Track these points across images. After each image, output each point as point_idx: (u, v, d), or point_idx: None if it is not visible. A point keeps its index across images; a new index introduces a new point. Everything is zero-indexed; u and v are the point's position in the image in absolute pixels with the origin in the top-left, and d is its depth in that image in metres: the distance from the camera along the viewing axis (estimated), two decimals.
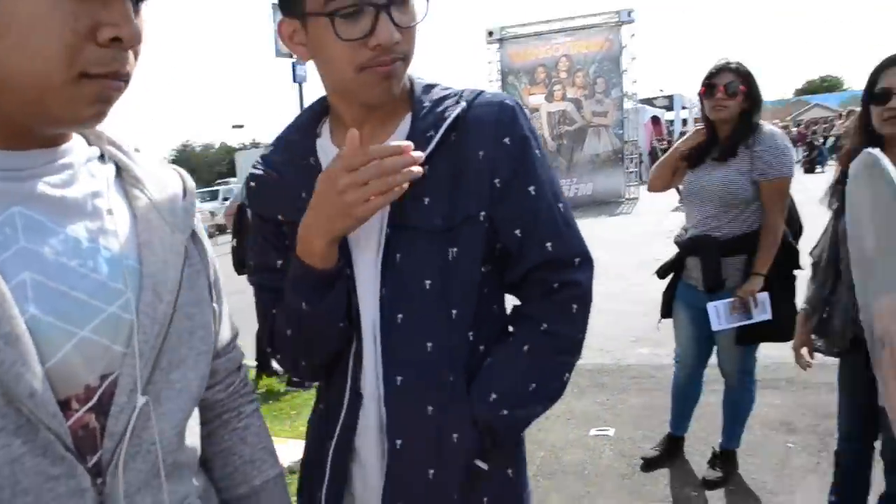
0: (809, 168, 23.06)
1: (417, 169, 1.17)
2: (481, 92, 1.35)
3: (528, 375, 1.32)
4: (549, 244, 1.32)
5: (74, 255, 0.88)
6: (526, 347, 1.33)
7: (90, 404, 0.87)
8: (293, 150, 1.37)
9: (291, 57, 15.38)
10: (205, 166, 70.12)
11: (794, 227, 3.40)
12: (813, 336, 2.79)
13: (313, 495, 1.41)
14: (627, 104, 20.58)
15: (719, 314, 3.29)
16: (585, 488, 3.47)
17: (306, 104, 1.51)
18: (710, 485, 3.56)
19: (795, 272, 3.34)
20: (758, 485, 3.57)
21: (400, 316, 1.29)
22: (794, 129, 28.93)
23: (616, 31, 19.96)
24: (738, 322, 3.27)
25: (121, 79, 0.87)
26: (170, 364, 0.95)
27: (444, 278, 1.29)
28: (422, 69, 1.37)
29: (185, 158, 73.15)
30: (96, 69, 0.83)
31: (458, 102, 1.31)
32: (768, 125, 3.29)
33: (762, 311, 3.22)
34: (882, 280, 1.14)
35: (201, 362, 1.01)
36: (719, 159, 3.24)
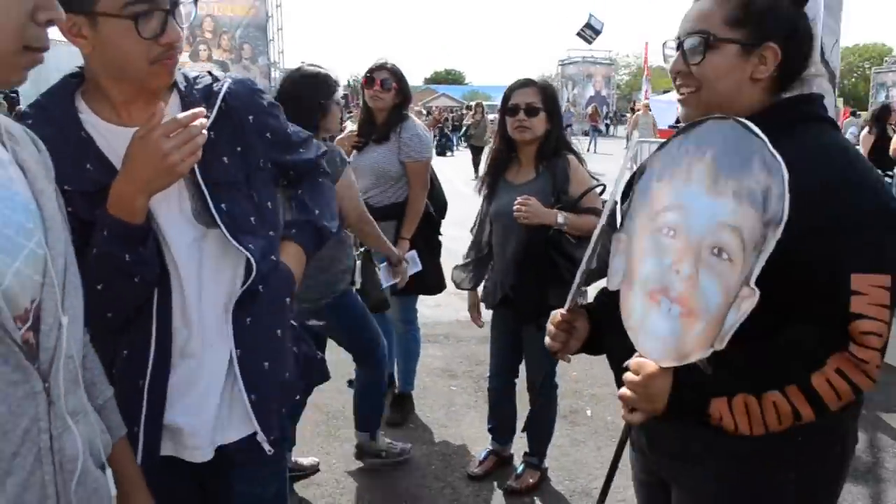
0: (441, 152, 25.42)
1: (205, 131, 1.44)
2: (227, 74, 1.71)
3: (329, 197, 1.95)
4: (306, 151, 1.88)
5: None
6: (321, 181, 1.94)
7: (29, 323, 1.00)
8: (58, 125, 1.47)
9: None
10: None
11: (439, 202, 4.12)
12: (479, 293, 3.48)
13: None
14: (275, 73, 20.74)
15: (383, 274, 3.81)
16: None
17: None
18: (394, 424, 4.08)
19: (440, 238, 4.10)
20: (432, 421, 4.19)
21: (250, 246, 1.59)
22: (430, 116, 31.92)
23: None
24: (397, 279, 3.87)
25: (45, 52, 1.03)
26: (66, 293, 1.09)
27: (259, 213, 1.64)
28: None
29: None
30: (36, 44, 1.00)
31: (217, 80, 1.62)
32: (413, 117, 4.00)
33: (414, 266, 3.86)
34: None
35: (79, 293, 1.16)
36: (376, 142, 3.86)
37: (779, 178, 1.19)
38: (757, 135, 1.25)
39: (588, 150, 27.26)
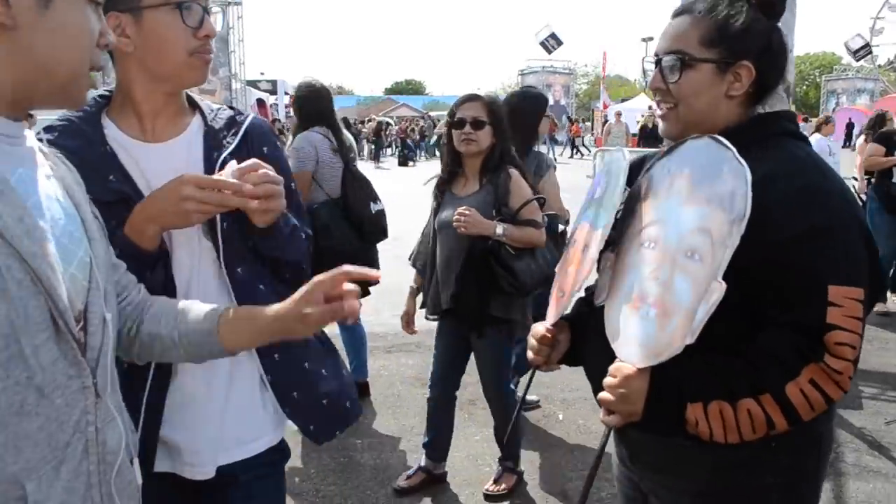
0: (403, 162, 25.61)
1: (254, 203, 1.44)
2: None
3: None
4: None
5: (55, 208, 1.07)
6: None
7: (81, 324, 1.08)
8: (86, 138, 1.53)
9: None
10: None
11: (356, 213, 4.13)
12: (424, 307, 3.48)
13: None
14: (235, 85, 20.59)
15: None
16: None
17: None
18: None
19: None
20: (406, 429, 4.27)
21: (239, 269, 1.63)
22: (396, 127, 32.27)
23: (223, 11, 19.83)
24: None
25: (100, 71, 1.13)
26: (107, 297, 1.16)
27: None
28: None
29: None
30: (98, 64, 1.10)
31: (240, 113, 1.73)
32: (313, 131, 4.18)
33: None
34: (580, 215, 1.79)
35: (114, 294, 1.23)
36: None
37: (742, 179, 1.28)
38: (727, 146, 1.33)
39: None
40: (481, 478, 3.63)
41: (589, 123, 42.74)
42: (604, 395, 1.43)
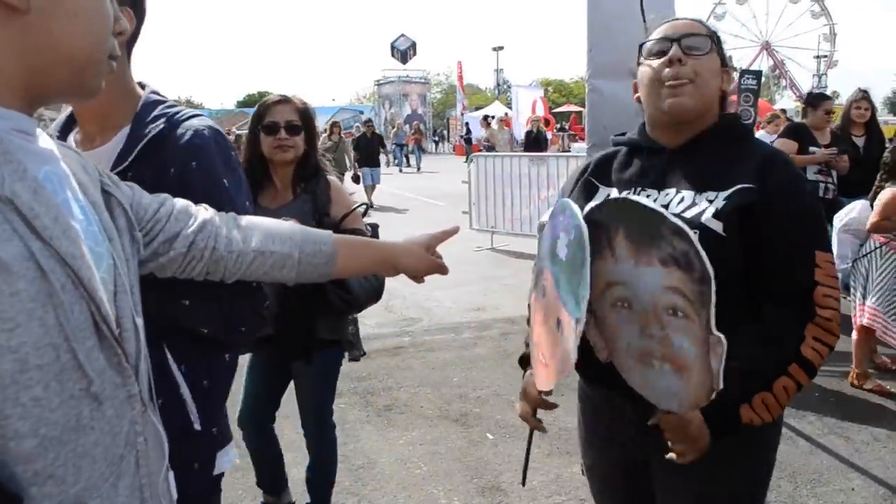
0: None
1: None
2: (195, 115, 1.58)
3: None
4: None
5: (79, 209, 1.01)
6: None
7: (118, 330, 1.01)
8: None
9: None
10: None
11: None
12: None
13: None
14: None
15: None
16: None
17: None
18: None
19: None
20: None
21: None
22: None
23: None
24: None
25: (115, 60, 1.07)
26: (135, 299, 1.10)
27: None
28: None
29: None
30: (114, 52, 1.05)
31: (178, 123, 1.53)
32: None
33: None
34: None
35: (138, 288, 1.15)
36: None
37: (688, 239, 1.29)
38: (652, 210, 1.34)
39: (413, 168, 27.89)
40: (414, 480, 3.69)
41: (445, 132, 43.51)
42: (675, 450, 1.49)
